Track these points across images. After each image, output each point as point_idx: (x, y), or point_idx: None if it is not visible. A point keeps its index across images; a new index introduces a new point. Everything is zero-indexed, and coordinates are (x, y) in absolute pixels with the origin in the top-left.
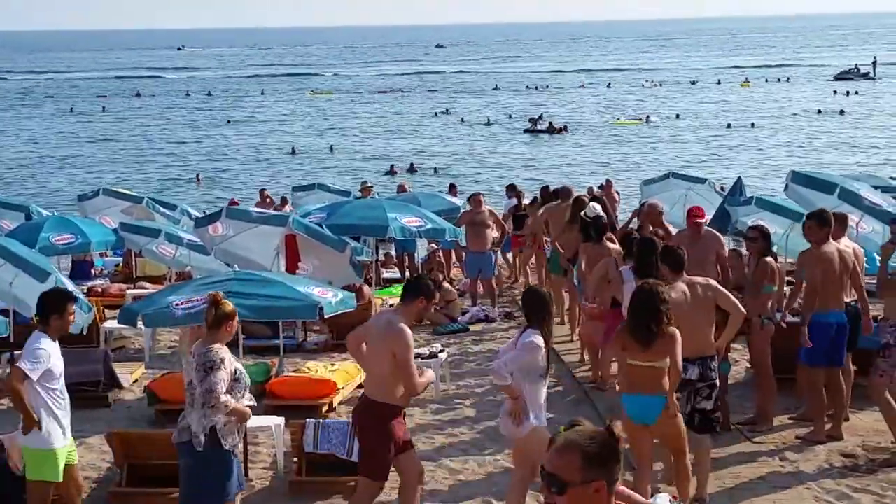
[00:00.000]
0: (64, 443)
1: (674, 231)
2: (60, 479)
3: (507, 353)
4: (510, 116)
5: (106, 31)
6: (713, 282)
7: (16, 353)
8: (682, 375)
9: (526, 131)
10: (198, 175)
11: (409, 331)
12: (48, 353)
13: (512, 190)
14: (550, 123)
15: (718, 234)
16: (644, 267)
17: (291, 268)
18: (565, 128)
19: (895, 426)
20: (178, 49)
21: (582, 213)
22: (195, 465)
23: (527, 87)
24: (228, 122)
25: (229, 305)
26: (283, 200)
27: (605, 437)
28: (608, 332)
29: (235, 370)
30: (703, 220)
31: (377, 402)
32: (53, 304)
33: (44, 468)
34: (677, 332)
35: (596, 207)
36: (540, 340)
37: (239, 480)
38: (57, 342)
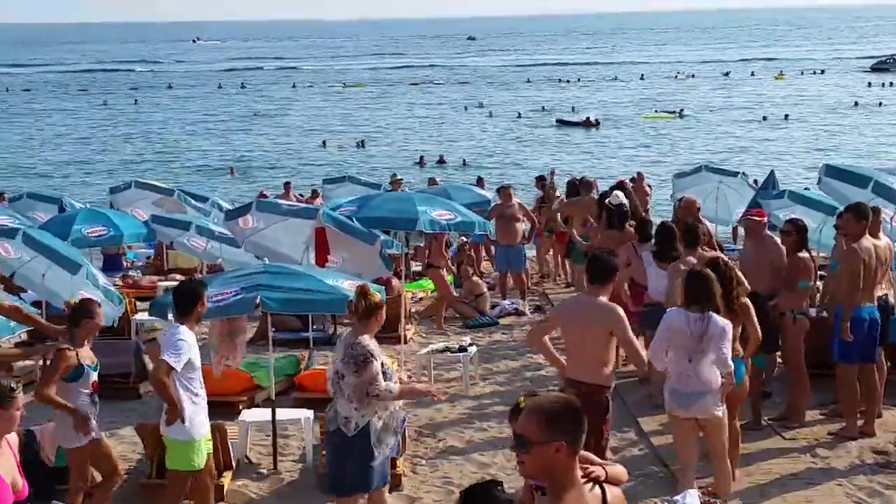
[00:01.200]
0: (204, 432)
1: (709, 225)
2: (203, 468)
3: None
4: (543, 108)
5: (117, 22)
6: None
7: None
8: None
9: (558, 121)
10: (231, 168)
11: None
12: (188, 344)
13: (540, 181)
14: (588, 118)
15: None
16: (664, 251)
17: (321, 261)
18: (597, 122)
19: None
20: (193, 41)
21: (606, 202)
22: (343, 452)
23: (559, 80)
24: (255, 114)
25: (377, 296)
26: (314, 193)
27: (567, 402)
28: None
29: (381, 363)
30: (763, 220)
31: (595, 384)
32: (191, 295)
33: (187, 457)
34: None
35: (619, 195)
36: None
37: (384, 473)
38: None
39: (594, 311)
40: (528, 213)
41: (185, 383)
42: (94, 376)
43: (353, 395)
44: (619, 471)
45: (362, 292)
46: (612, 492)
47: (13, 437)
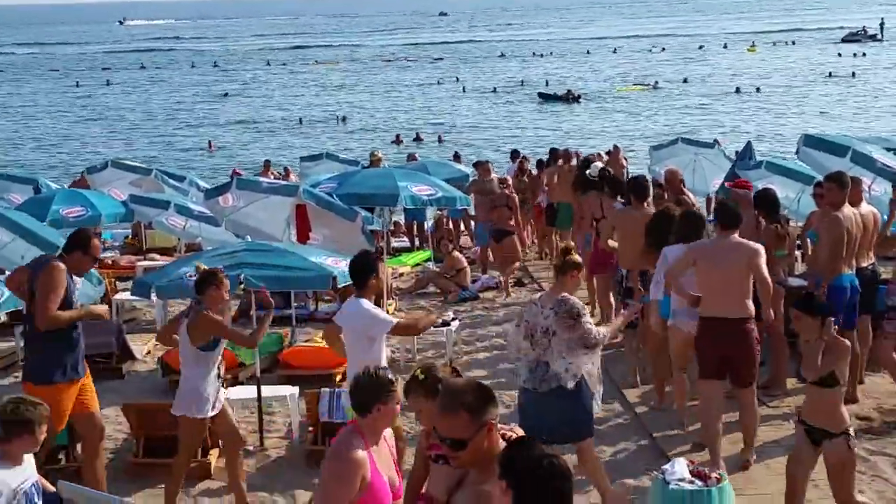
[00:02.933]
0: None
1: (691, 197)
2: None
3: None
4: (522, 83)
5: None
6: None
7: None
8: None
9: (540, 95)
10: (210, 142)
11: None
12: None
13: (516, 155)
14: (569, 91)
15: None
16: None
17: (302, 238)
18: (578, 96)
19: None
20: (119, 23)
21: (587, 174)
22: (568, 406)
23: (533, 53)
24: (226, 94)
25: (577, 256)
26: (287, 171)
27: (476, 385)
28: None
29: None
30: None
31: (742, 317)
32: (367, 268)
33: None
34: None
35: (597, 166)
36: None
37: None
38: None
39: (735, 249)
40: (507, 187)
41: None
42: (221, 350)
43: (566, 350)
44: (520, 431)
45: (565, 249)
46: None
47: (389, 433)
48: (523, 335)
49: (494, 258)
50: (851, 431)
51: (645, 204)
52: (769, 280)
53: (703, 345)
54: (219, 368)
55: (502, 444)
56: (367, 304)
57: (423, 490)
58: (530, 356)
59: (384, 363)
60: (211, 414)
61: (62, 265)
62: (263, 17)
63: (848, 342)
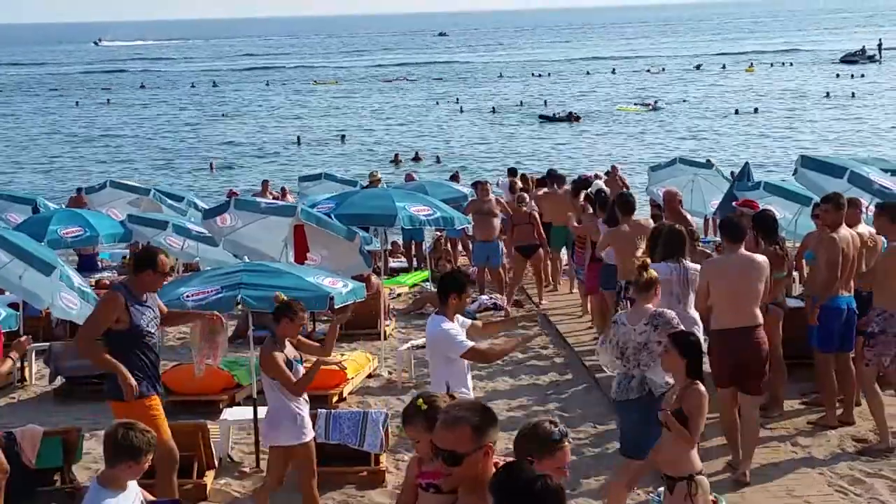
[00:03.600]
0: None
1: (689, 217)
2: None
3: None
4: (521, 104)
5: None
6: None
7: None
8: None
9: (541, 117)
10: (211, 163)
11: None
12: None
13: (512, 174)
14: (570, 113)
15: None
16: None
17: (300, 258)
18: (579, 117)
19: (878, 414)
20: (95, 43)
21: (588, 192)
22: (645, 416)
23: (532, 74)
24: (224, 115)
25: (653, 272)
26: (284, 191)
27: (482, 406)
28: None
29: None
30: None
31: (755, 325)
32: (451, 284)
33: None
34: None
35: (598, 184)
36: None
37: None
38: None
39: (749, 262)
40: (504, 207)
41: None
42: (302, 370)
43: (654, 361)
44: None
45: (643, 265)
46: None
47: None
48: (614, 353)
49: (516, 274)
50: (700, 478)
51: (632, 218)
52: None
53: (718, 356)
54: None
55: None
56: (446, 323)
57: None
58: (620, 371)
59: (468, 383)
60: (311, 437)
61: (116, 296)
62: (257, 38)
63: (704, 391)
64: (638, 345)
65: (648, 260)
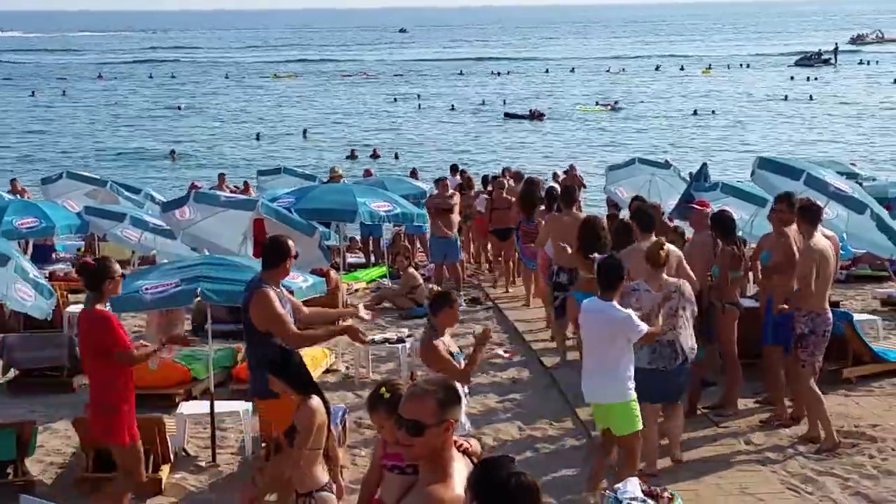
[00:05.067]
0: None
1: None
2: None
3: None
4: (483, 102)
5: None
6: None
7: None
8: None
9: (506, 115)
10: (172, 151)
11: None
12: None
13: (454, 170)
14: (531, 111)
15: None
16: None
17: (259, 252)
18: (542, 115)
19: (812, 414)
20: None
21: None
22: (684, 377)
23: (491, 72)
24: (179, 108)
25: (669, 247)
26: (246, 185)
27: (448, 383)
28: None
29: None
30: (707, 210)
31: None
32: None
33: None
34: None
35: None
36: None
37: None
38: None
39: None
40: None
41: None
42: (463, 362)
43: (687, 326)
44: (476, 444)
45: (659, 244)
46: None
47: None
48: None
49: (495, 255)
50: (320, 494)
51: (574, 210)
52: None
53: None
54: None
55: (455, 453)
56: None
57: (377, 496)
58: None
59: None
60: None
61: (268, 291)
62: (219, 30)
63: (316, 406)
64: (670, 309)
65: (663, 239)
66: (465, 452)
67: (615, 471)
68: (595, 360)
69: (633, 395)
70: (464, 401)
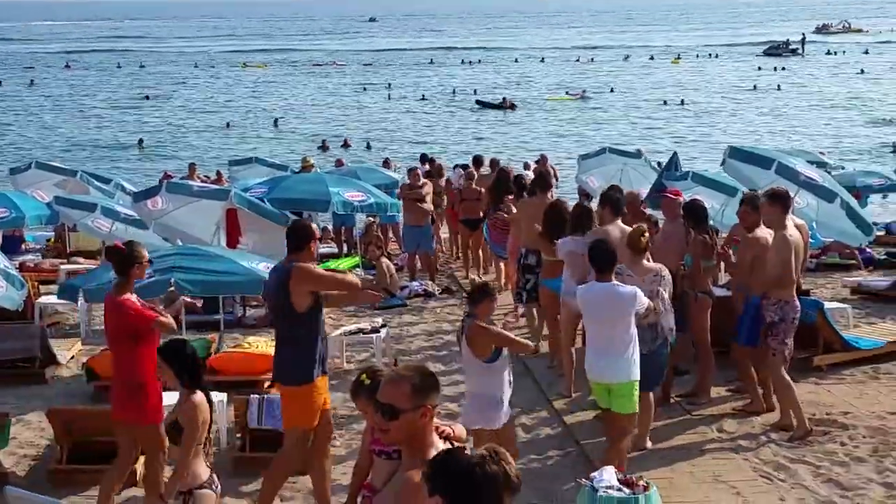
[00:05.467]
0: None
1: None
2: None
3: None
4: (454, 92)
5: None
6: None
7: None
8: None
9: (478, 102)
10: (140, 140)
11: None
12: None
13: (424, 159)
14: (504, 99)
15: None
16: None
17: (232, 242)
18: (513, 104)
19: (783, 402)
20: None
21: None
22: (664, 358)
23: (462, 61)
24: (147, 97)
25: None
26: (219, 175)
27: (425, 370)
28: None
29: None
30: (679, 199)
31: None
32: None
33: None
34: None
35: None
36: None
37: None
38: None
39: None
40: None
41: None
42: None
43: (665, 307)
44: (460, 429)
45: (640, 230)
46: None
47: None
48: None
49: (463, 245)
50: (199, 492)
51: (548, 196)
52: None
53: None
54: (510, 375)
55: (437, 440)
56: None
57: (367, 480)
58: None
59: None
60: (503, 423)
61: (304, 265)
62: (191, 19)
63: (199, 402)
64: (650, 293)
65: (644, 226)
66: (448, 438)
67: (592, 459)
68: (603, 340)
69: (638, 374)
70: (508, 388)
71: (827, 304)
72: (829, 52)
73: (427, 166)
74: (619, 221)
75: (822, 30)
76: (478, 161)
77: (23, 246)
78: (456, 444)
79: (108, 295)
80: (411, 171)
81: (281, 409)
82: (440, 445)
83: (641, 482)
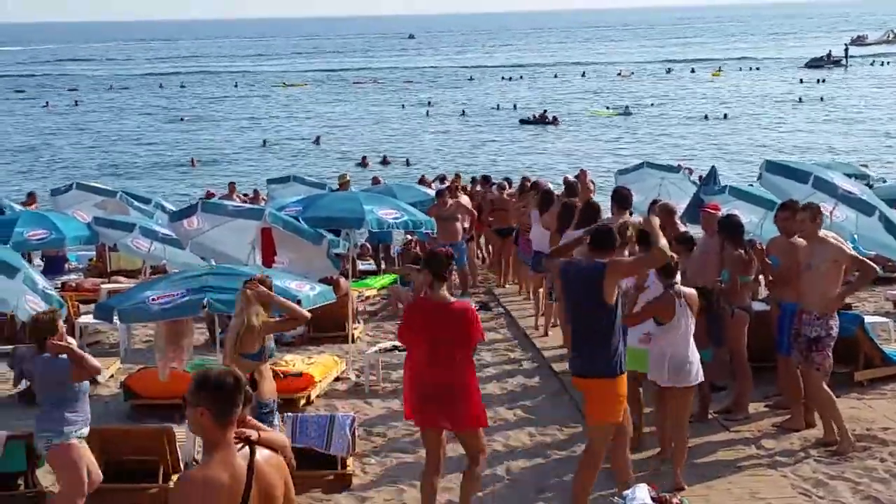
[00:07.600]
0: None
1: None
2: None
3: None
4: (498, 107)
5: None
6: None
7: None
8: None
9: (521, 121)
10: (192, 159)
11: None
12: None
13: (443, 181)
14: (544, 112)
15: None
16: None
17: (268, 261)
18: (555, 119)
19: (826, 417)
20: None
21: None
22: None
23: (502, 77)
24: (182, 119)
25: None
26: (256, 193)
27: (220, 377)
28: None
29: None
30: (717, 214)
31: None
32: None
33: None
34: None
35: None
36: None
37: None
38: None
39: None
40: (468, 211)
41: None
42: None
43: None
44: (275, 436)
45: (644, 232)
46: (262, 453)
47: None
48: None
49: (496, 253)
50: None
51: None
52: None
53: None
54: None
55: (227, 442)
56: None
57: None
58: None
59: None
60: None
61: None
62: (228, 39)
63: None
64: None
65: (630, 219)
66: (248, 441)
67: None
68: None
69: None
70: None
71: (868, 319)
72: (873, 64)
73: (446, 183)
74: (628, 216)
75: (857, 41)
76: (507, 183)
77: (66, 266)
78: (260, 448)
79: None
80: (437, 194)
81: (587, 404)
82: (233, 448)
83: (675, 500)
